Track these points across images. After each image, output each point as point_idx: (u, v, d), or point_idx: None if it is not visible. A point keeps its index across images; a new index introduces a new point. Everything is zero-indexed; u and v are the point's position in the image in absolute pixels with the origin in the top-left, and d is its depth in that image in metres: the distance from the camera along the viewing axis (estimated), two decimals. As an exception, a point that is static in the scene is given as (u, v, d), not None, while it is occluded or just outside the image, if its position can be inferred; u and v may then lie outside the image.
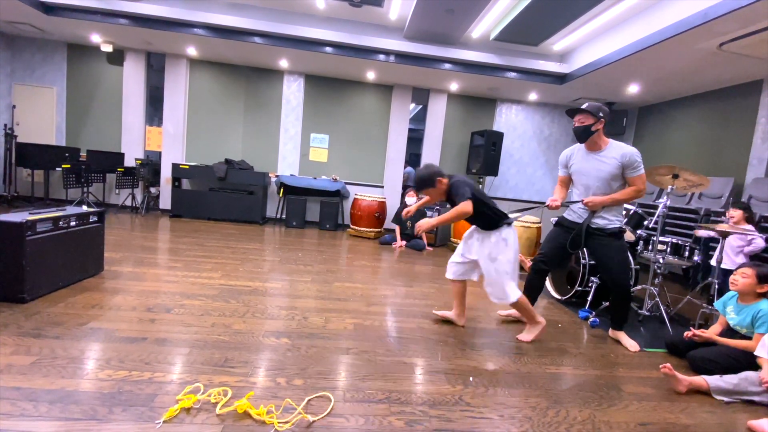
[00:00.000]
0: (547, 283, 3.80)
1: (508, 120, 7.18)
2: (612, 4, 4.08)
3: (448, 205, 2.66)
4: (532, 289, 2.86)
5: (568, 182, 2.80)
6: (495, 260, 2.48)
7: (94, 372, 1.73)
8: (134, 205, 6.38)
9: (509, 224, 2.52)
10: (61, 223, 2.64)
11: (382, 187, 7.04)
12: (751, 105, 4.69)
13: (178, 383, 1.70)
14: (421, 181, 2.47)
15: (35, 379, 1.64)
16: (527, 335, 2.60)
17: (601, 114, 2.50)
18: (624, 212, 3.49)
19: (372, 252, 5.11)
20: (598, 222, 2.61)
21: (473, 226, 2.67)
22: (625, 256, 2.63)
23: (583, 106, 2.53)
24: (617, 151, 2.52)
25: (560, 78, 5.69)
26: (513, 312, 2.91)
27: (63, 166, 5.44)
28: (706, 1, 3.40)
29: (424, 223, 2.43)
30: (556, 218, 2.88)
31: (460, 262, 2.69)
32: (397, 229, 5.79)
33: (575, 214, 2.73)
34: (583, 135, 2.56)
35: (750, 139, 4.66)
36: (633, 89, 5.59)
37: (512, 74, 5.63)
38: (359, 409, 1.66)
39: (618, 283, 2.59)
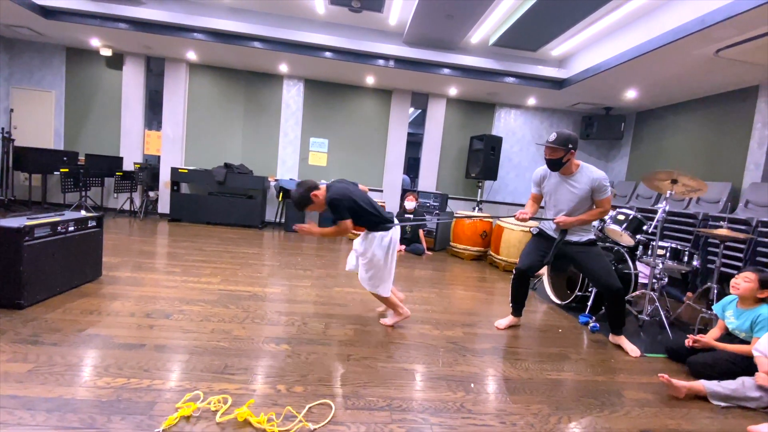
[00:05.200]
0: (547, 288, 3.80)
1: (507, 124, 7.20)
2: (610, 11, 4.11)
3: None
4: (519, 292, 2.91)
5: (540, 199, 2.91)
6: (364, 256, 2.61)
7: (92, 379, 1.72)
8: (133, 209, 6.35)
9: (388, 228, 2.60)
10: (59, 228, 2.63)
11: (382, 191, 7.04)
12: (748, 110, 4.72)
13: (178, 391, 1.69)
14: (298, 203, 2.55)
15: (32, 387, 1.62)
16: (389, 320, 2.75)
17: (570, 146, 2.58)
18: (622, 217, 3.50)
19: (371, 256, 5.09)
20: (572, 238, 2.73)
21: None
22: (602, 258, 2.71)
23: (551, 139, 2.60)
24: (588, 176, 2.64)
25: (558, 83, 5.72)
26: (510, 321, 2.95)
27: (61, 170, 5.42)
28: (704, 8, 3.42)
29: (305, 227, 2.50)
30: (538, 229, 2.94)
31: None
32: (396, 233, 5.77)
33: (551, 229, 2.83)
34: (555, 166, 2.68)
35: (747, 144, 4.68)
36: (631, 94, 5.61)
37: (511, 79, 5.66)
38: (360, 416, 1.65)
39: (608, 287, 2.61)
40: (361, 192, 2.66)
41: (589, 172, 2.66)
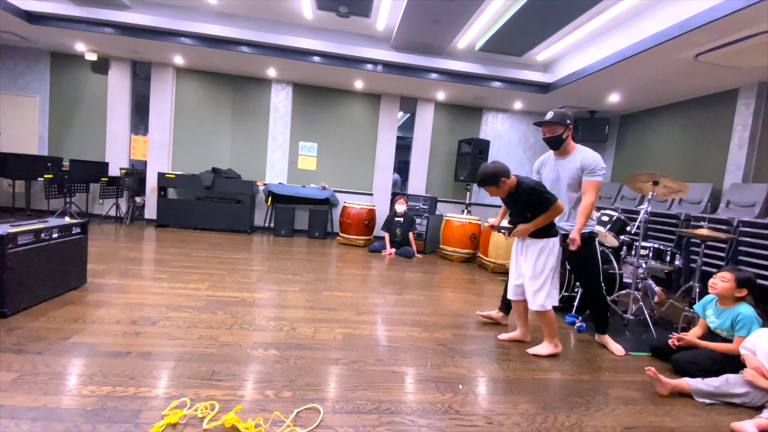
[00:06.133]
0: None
1: (494, 128, 7.29)
2: (593, 16, 4.20)
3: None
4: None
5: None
6: (542, 267, 2.47)
7: (77, 388, 1.69)
8: (118, 215, 6.27)
9: (557, 233, 2.51)
10: (42, 235, 2.59)
11: (372, 194, 7.05)
12: (728, 113, 4.85)
13: (164, 398, 1.68)
14: (484, 179, 2.42)
15: (16, 396, 1.60)
16: (540, 349, 2.55)
17: (568, 121, 2.62)
18: (606, 218, 3.56)
19: (361, 260, 5.10)
20: (566, 228, 2.68)
21: (516, 241, 2.64)
22: (594, 263, 2.66)
23: (549, 117, 2.64)
24: (580, 154, 2.64)
25: (544, 87, 5.81)
26: (492, 314, 3.02)
27: (45, 176, 5.33)
28: (683, 13, 3.52)
29: (521, 229, 2.45)
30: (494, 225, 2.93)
31: (518, 284, 2.63)
32: (387, 236, 5.80)
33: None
34: (556, 144, 2.69)
35: (727, 145, 4.81)
36: (614, 98, 5.73)
37: (497, 84, 5.74)
38: (349, 420, 1.65)
39: (588, 288, 2.66)
40: None
41: (582, 151, 2.64)
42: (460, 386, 2.03)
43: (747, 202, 4.29)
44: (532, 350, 2.55)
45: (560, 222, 2.74)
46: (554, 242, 2.48)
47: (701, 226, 3.40)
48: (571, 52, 5.17)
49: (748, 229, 3.83)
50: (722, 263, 4.01)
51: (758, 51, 3.66)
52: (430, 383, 2.03)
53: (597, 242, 2.73)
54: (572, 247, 2.53)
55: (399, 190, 7.87)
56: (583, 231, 2.62)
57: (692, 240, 4.34)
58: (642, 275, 3.25)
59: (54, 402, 1.58)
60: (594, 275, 2.67)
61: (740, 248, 3.89)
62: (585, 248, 2.64)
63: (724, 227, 4.03)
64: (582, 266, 2.70)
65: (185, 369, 1.94)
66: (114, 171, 6.29)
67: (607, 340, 2.75)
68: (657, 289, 3.76)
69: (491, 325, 3.02)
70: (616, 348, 2.68)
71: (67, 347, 2.05)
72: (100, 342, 2.14)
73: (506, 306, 2.99)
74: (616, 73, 4.66)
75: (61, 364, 1.88)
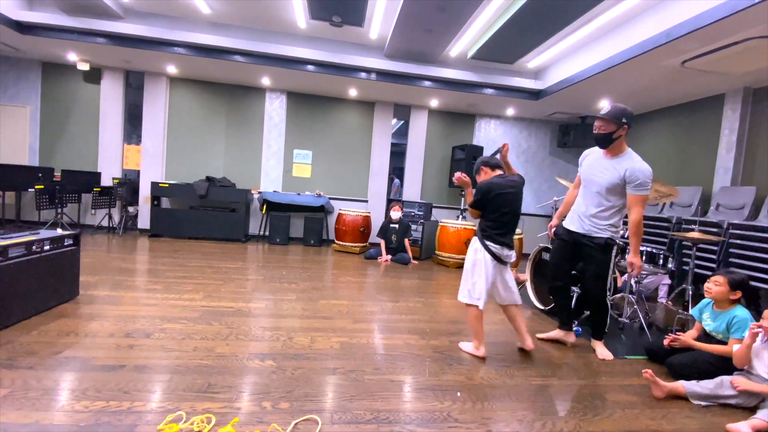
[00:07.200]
0: (530, 294, 3.85)
1: (487, 134, 7.35)
2: (582, 25, 4.27)
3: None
4: (562, 308, 2.87)
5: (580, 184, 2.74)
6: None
7: (70, 403, 1.66)
8: (111, 225, 6.21)
9: (481, 240, 2.51)
10: (34, 247, 2.55)
11: (367, 201, 7.06)
12: (715, 117, 4.94)
13: (159, 412, 1.65)
14: (474, 167, 2.73)
15: (8, 412, 1.56)
16: (465, 345, 2.63)
17: (624, 120, 2.38)
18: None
19: (357, 267, 5.09)
20: (585, 226, 2.58)
21: None
22: (605, 273, 2.60)
23: (604, 113, 2.42)
24: (629, 163, 2.42)
25: (535, 94, 5.89)
26: (552, 334, 2.91)
27: (36, 186, 5.27)
28: (669, 21, 3.60)
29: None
30: (554, 228, 2.90)
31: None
32: (382, 243, 5.80)
33: (576, 222, 2.67)
34: (603, 142, 2.48)
35: (715, 149, 4.89)
36: (604, 104, 5.81)
37: (489, 91, 5.80)
38: (347, 430, 1.64)
39: (592, 294, 2.65)
40: (512, 199, 2.47)
41: (631, 159, 2.43)
42: (459, 394, 2.02)
43: (736, 205, 4.36)
44: (461, 343, 2.67)
45: (569, 221, 2.71)
46: (476, 242, 2.54)
47: (692, 229, 3.44)
48: (561, 60, 5.25)
49: (738, 231, 3.88)
50: (714, 265, 4.06)
51: (742, 57, 3.74)
52: (428, 391, 2.03)
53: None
54: (635, 273, 2.51)
55: (399, 195, 7.88)
56: (602, 236, 2.54)
57: (684, 243, 4.39)
58: (635, 278, 3.27)
59: (46, 418, 1.55)
60: (604, 281, 2.62)
61: (731, 250, 3.94)
62: (602, 254, 2.56)
63: (714, 230, 4.08)
64: (594, 271, 2.60)
65: (180, 381, 1.91)
66: (106, 181, 6.24)
67: (597, 345, 2.74)
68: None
69: (488, 332, 3.02)
70: (603, 353, 2.67)
71: (59, 361, 2.02)
72: (93, 356, 2.11)
73: (565, 321, 2.87)
74: (606, 79, 4.74)
75: (53, 379, 1.85)
